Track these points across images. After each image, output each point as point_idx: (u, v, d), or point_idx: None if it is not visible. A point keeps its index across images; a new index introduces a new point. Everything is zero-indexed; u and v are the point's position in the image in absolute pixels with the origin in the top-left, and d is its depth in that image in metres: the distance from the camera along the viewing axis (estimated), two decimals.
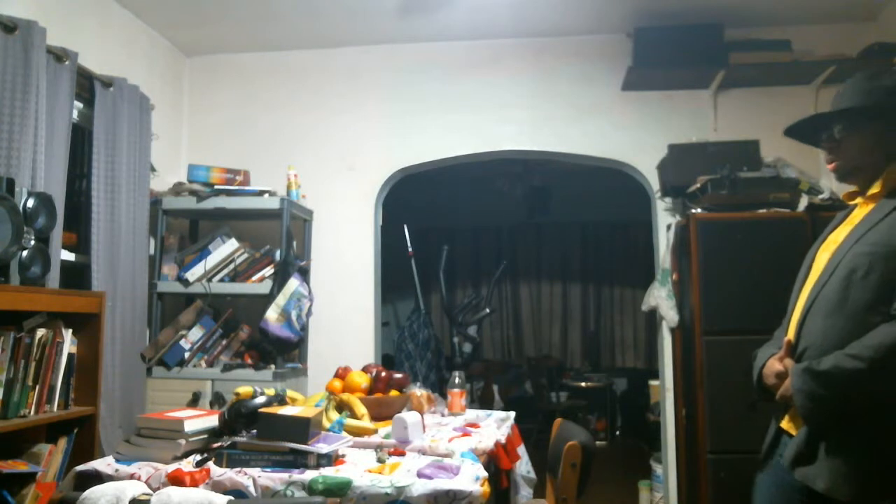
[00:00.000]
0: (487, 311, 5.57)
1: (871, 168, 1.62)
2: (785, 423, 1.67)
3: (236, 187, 3.47)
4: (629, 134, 3.60)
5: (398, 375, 2.56)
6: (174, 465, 1.70)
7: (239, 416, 1.81)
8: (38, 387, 2.20)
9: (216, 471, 1.64)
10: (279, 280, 3.29)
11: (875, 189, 1.61)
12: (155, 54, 3.64)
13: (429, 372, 4.97)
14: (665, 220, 3.52)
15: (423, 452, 1.90)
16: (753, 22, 3.43)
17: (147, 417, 1.90)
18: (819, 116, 1.72)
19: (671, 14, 3.33)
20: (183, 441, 1.78)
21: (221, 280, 3.36)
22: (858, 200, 1.68)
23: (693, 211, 3.07)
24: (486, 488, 1.59)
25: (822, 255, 1.67)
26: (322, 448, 1.70)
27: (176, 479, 1.60)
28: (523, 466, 2.44)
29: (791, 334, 1.64)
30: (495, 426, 2.39)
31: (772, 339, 1.79)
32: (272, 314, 3.22)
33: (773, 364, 1.66)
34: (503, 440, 2.20)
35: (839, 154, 1.66)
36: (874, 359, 1.44)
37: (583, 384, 6.47)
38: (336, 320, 3.66)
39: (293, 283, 3.30)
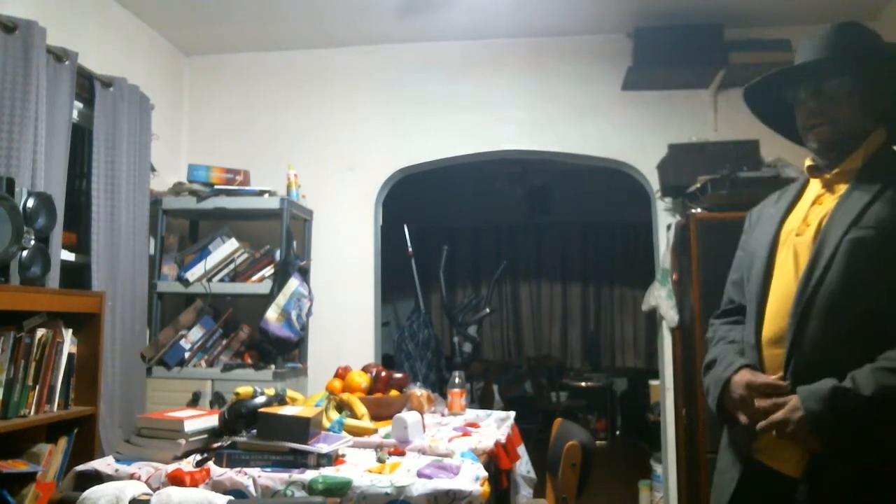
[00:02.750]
0: (487, 310, 5.57)
1: (859, 136, 1.37)
2: (766, 456, 1.35)
3: (236, 187, 3.47)
4: (629, 134, 3.60)
5: (398, 375, 2.56)
6: (174, 465, 1.70)
7: (239, 416, 1.81)
8: (38, 387, 2.20)
9: (216, 471, 1.64)
10: (279, 280, 3.29)
11: (854, 163, 1.36)
12: (155, 54, 3.64)
13: (429, 372, 4.96)
14: (665, 220, 3.52)
15: (423, 452, 1.90)
16: (753, 22, 3.43)
17: (147, 417, 1.90)
18: (815, 64, 1.40)
19: (671, 14, 3.33)
20: (183, 441, 1.78)
21: (221, 280, 3.36)
22: (827, 176, 1.41)
23: (693, 211, 3.06)
24: (486, 488, 1.59)
25: (793, 245, 1.38)
26: (322, 448, 1.70)
27: (176, 479, 1.60)
28: (523, 466, 2.43)
29: (778, 342, 1.33)
30: (495, 426, 2.39)
31: (722, 339, 1.50)
32: (272, 314, 3.22)
33: (752, 378, 1.33)
34: (503, 440, 2.20)
35: (833, 116, 1.36)
36: None
37: (583, 384, 6.48)
38: (336, 320, 3.66)
39: (293, 283, 3.30)
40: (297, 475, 1.61)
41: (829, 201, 1.37)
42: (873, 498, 1.21)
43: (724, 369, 1.39)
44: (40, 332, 2.22)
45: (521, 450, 2.48)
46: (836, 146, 1.38)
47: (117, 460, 1.75)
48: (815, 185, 1.44)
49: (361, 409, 2.25)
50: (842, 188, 1.37)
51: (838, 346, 1.25)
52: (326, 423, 2.08)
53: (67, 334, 2.33)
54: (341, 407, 2.29)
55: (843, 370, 1.22)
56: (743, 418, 1.33)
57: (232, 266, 3.38)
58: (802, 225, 1.38)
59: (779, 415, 1.25)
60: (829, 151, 1.40)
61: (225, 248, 3.42)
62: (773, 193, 1.58)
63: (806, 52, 1.43)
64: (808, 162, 1.47)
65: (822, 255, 1.29)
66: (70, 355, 2.34)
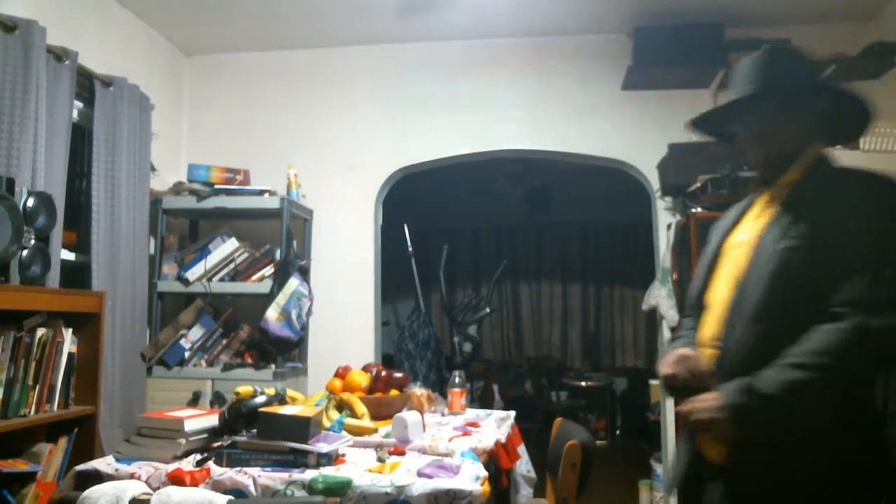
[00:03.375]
0: (487, 310, 5.57)
1: (795, 153, 1.45)
2: (707, 448, 1.46)
3: (236, 187, 3.47)
4: (629, 134, 3.60)
5: (398, 375, 2.55)
6: (174, 464, 1.70)
7: (239, 416, 1.81)
8: (38, 386, 2.20)
9: (216, 470, 1.63)
10: (279, 279, 3.29)
11: (792, 175, 1.44)
12: (155, 54, 3.64)
13: (429, 371, 4.96)
14: (665, 220, 3.52)
15: (423, 452, 1.90)
16: (753, 21, 3.43)
17: (147, 417, 1.90)
18: (745, 100, 1.49)
19: (671, 14, 3.33)
20: (183, 440, 1.78)
21: (221, 279, 3.36)
22: (768, 190, 1.50)
23: (693, 210, 3.07)
24: (486, 488, 1.59)
25: (736, 251, 1.48)
26: (322, 447, 1.70)
27: (176, 479, 1.60)
28: (523, 466, 2.44)
29: (713, 341, 1.45)
30: (495, 426, 2.39)
31: (684, 336, 1.61)
32: (272, 314, 3.22)
33: (677, 353, 1.47)
34: (503, 439, 2.20)
35: (768, 140, 1.46)
36: (826, 365, 1.26)
37: (583, 384, 6.47)
38: (336, 320, 3.66)
39: (293, 283, 3.30)
40: (297, 475, 1.61)
41: (769, 212, 1.46)
42: (785, 476, 1.32)
43: (672, 345, 1.58)
44: (40, 331, 2.22)
45: (522, 449, 2.48)
46: (773, 164, 1.48)
47: (117, 460, 1.75)
48: (761, 199, 1.53)
49: (361, 408, 2.25)
50: (780, 198, 1.45)
51: (764, 349, 1.33)
52: (326, 423, 2.08)
53: (67, 334, 2.33)
54: (341, 406, 2.29)
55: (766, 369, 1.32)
56: (665, 370, 1.49)
57: (232, 266, 3.38)
58: (743, 236, 1.49)
59: (699, 410, 1.36)
60: (767, 170, 1.50)
61: (225, 248, 3.42)
62: (732, 206, 1.67)
63: (739, 84, 1.51)
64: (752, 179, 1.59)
65: (755, 265, 1.39)
66: (70, 355, 2.34)
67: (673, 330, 3.32)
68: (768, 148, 1.47)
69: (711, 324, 1.47)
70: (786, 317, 1.33)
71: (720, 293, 1.48)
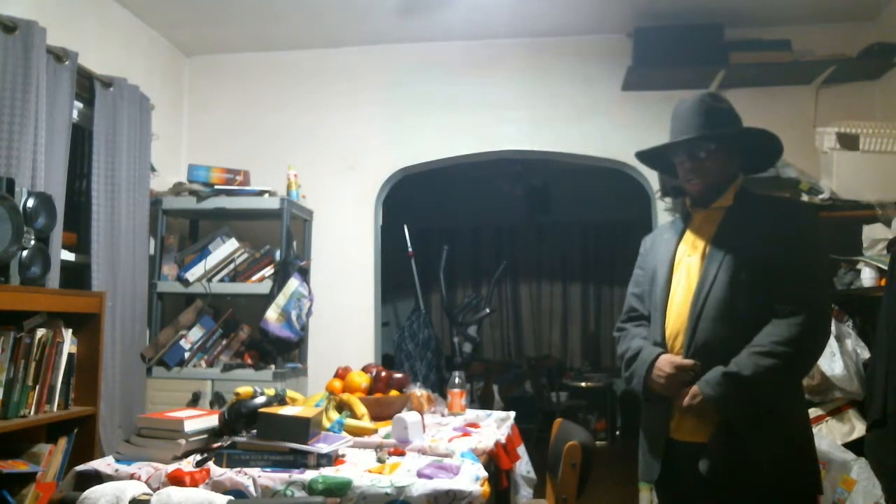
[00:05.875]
0: (487, 311, 5.56)
1: (726, 182, 1.80)
2: (679, 434, 1.74)
3: (236, 187, 3.47)
4: (629, 134, 3.60)
5: (398, 375, 2.55)
6: (174, 465, 1.70)
7: (239, 416, 1.81)
8: (38, 387, 2.20)
9: (216, 471, 1.63)
10: (279, 280, 3.29)
11: (727, 201, 1.79)
12: (155, 54, 3.64)
13: (429, 372, 4.96)
14: (665, 220, 3.51)
15: (423, 452, 1.90)
16: (753, 22, 3.43)
17: (147, 417, 1.90)
18: (688, 141, 1.80)
19: (671, 14, 3.33)
20: (183, 441, 1.78)
21: (221, 280, 3.36)
22: (705, 211, 1.83)
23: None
24: (486, 488, 1.59)
25: (686, 265, 1.80)
26: (322, 448, 1.70)
27: (176, 479, 1.60)
28: (523, 466, 2.44)
29: (678, 338, 1.75)
30: (495, 426, 2.39)
31: (637, 335, 1.88)
32: (272, 314, 3.22)
33: (669, 360, 1.73)
34: (503, 440, 2.20)
35: (704, 173, 1.78)
36: (787, 353, 1.60)
37: (583, 384, 6.46)
38: (336, 320, 3.66)
39: (293, 283, 3.30)
40: (297, 475, 1.61)
41: (710, 229, 1.80)
42: (761, 444, 1.62)
43: (647, 356, 1.79)
44: (40, 332, 2.22)
45: (521, 450, 2.48)
46: (708, 192, 1.81)
47: (117, 460, 1.75)
48: (697, 217, 1.86)
49: (361, 409, 2.25)
50: (718, 218, 1.80)
51: (723, 340, 1.67)
52: (326, 423, 2.08)
53: (67, 334, 2.33)
54: (341, 407, 2.29)
55: (726, 359, 1.65)
56: (667, 390, 1.74)
57: (232, 266, 3.38)
58: (692, 248, 1.82)
59: (686, 400, 1.68)
60: (703, 197, 1.83)
61: (225, 248, 3.42)
62: (664, 224, 2.01)
63: (678, 127, 1.82)
64: (688, 201, 1.90)
65: (708, 273, 1.72)
66: (70, 355, 2.34)
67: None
68: (705, 179, 1.79)
69: (674, 322, 1.77)
70: (741, 319, 1.66)
71: (679, 296, 1.78)
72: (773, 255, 1.67)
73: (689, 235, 1.85)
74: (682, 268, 1.81)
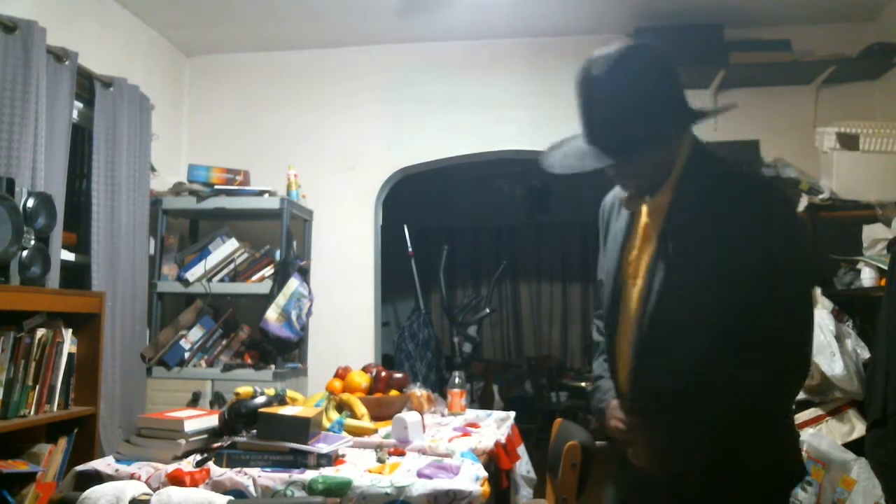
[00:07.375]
0: (487, 311, 5.57)
1: (661, 180, 1.48)
2: (636, 460, 1.54)
3: (236, 187, 3.47)
4: None
5: (398, 375, 2.55)
6: (174, 465, 1.70)
7: (239, 416, 1.81)
8: (38, 387, 2.20)
9: (216, 471, 1.63)
10: (279, 280, 3.29)
11: (664, 197, 1.47)
12: (155, 54, 3.64)
13: (429, 372, 4.96)
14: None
15: (423, 452, 1.90)
16: (753, 22, 3.43)
17: (147, 417, 1.90)
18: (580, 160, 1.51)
19: (671, 14, 3.33)
20: (183, 441, 1.78)
21: (221, 280, 3.36)
22: (646, 206, 1.53)
23: None
24: (486, 488, 1.59)
25: (629, 289, 1.51)
26: (322, 448, 1.70)
27: (176, 479, 1.60)
28: (523, 466, 2.43)
29: (623, 372, 1.52)
30: (495, 426, 2.39)
31: (602, 353, 1.67)
32: (272, 314, 3.22)
33: (615, 411, 1.55)
34: (503, 440, 2.20)
35: (636, 180, 1.51)
36: (755, 405, 1.34)
37: (583, 384, 6.45)
38: (336, 320, 3.66)
39: (293, 283, 3.30)
40: (297, 475, 1.61)
41: (657, 227, 1.48)
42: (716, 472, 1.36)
43: (602, 397, 1.62)
44: (40, 332, 2.22)
45: (521, 450, 2.48)
46: (645, 192, 1.50)
47: (117, 460, 1.75)
48: (643, 212, 1.55)
49: (361, 409, 2.25)
50: (662, 212, 1.47)
51: (669, 368, 1.39)
52: (326, 423, 2.08)
53: (67, 334, 2.33)
54: (341, 407, 2.29)
55: (674, 390, 1.37)
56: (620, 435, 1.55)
57: (232, 266, 3.38)
58: (634, 268, 1.51)
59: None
60: (641, 198, 1.52)
61: (225, 248, 3.42)
62: (616, 191, 1.71)
63: (568, 145, 1.55)
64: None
65: (667, 277, 1.40)
66: (70, 355, 2.34)
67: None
68: (639, 184, 1.50)
69: (622, 357, 1.52)
70: (687, 342, 1.37)
71: (623, 326, 1.52)
72: (733, 272, 1.33)
73: (634, 233, 1.56)
74: (625, 290, 1.53)
